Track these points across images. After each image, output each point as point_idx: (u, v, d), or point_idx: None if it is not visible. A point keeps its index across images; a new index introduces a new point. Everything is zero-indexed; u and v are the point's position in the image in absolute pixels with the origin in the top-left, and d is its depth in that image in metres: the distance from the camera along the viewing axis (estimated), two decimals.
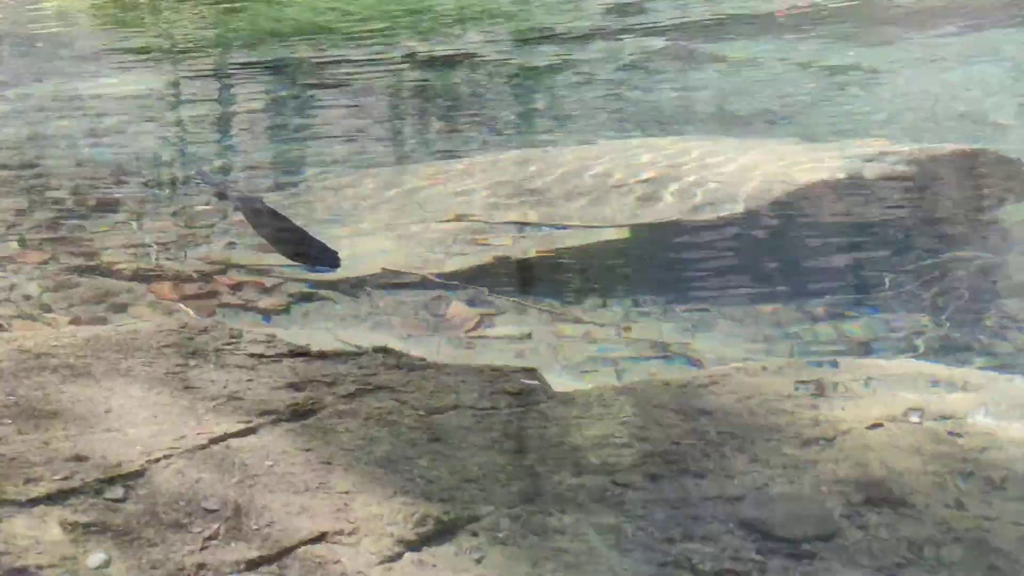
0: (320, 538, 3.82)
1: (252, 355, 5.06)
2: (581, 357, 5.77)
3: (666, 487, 4.17)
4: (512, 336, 5.95)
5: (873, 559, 3.84)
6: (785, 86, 9.69)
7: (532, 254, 6.69)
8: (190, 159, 9.10)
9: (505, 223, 7.12)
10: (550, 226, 7.04)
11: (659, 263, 6.72)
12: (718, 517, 3.99)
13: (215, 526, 3.85)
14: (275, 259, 6.71)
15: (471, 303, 6.17)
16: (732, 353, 5.79)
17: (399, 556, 3.77)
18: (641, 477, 4.16)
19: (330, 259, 5.56)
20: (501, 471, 4.23)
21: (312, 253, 5.60)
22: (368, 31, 11.95)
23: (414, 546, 3.84)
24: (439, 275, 6.22)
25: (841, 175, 7.19)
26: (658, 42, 10.83)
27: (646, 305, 6.30)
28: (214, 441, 4.28)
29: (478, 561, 3.83)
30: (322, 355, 5.21)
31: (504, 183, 7.65)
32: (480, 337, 6.06)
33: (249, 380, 4.82)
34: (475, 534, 3.89)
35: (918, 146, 7.68)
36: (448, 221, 7.10)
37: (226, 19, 12.74)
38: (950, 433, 4.53)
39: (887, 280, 6.33)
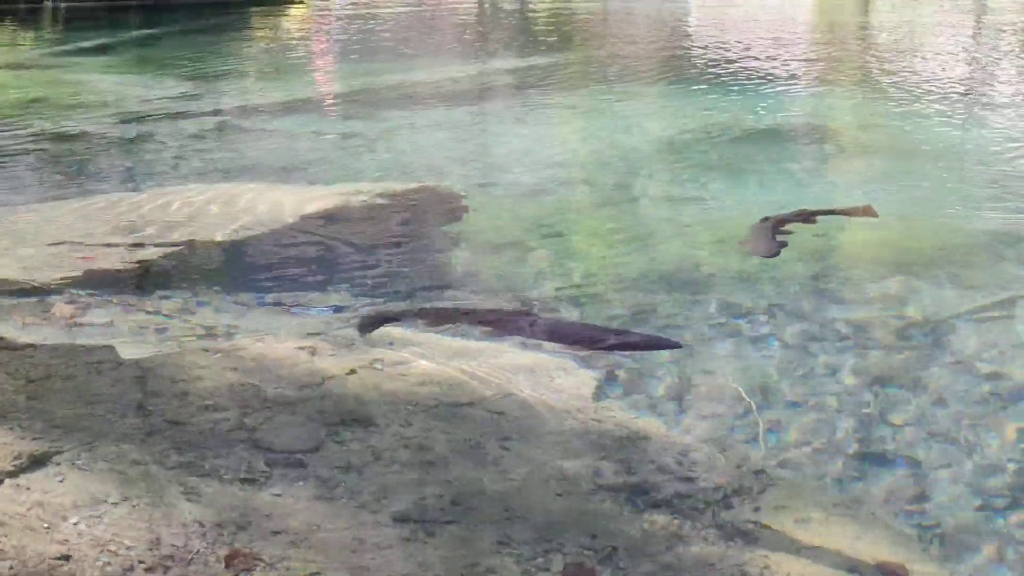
0: None
1: None
2: (151, 336, 5.89)
3: (200, 424, 4.47)
4: (100, 324, 6.01)
5: (347, 465, 4.18)
6: (304, 147, 10.13)
7: (119, 266, 6.73)
8: None
9: (100, 245, 7.14)
10: (138, 245, 7.12)
11: (215, 270, 6.94)
12: (239, 441, 4.25)
13: None
14: None
15: (71, 301, 6.17)
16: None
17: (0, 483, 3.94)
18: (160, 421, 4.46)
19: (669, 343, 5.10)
20: (80, 420, 4.45)
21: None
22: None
23: (12, 475, 3.94)
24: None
25: (331, 206, 7.61)
26: (216, 119, 11.13)
27: (204, 300, 6.45)
28: None
29: (61, 482, 3.98)
30: None
31: (100, 216, 7.71)
32: (78, 325, 6.03)
33: None
34: (59, 464, 4.04)
35: (388, 184, 8.25)
36: (57, 244, 7.11)
37: None
38: (400, 374, 4.91)
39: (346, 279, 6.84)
